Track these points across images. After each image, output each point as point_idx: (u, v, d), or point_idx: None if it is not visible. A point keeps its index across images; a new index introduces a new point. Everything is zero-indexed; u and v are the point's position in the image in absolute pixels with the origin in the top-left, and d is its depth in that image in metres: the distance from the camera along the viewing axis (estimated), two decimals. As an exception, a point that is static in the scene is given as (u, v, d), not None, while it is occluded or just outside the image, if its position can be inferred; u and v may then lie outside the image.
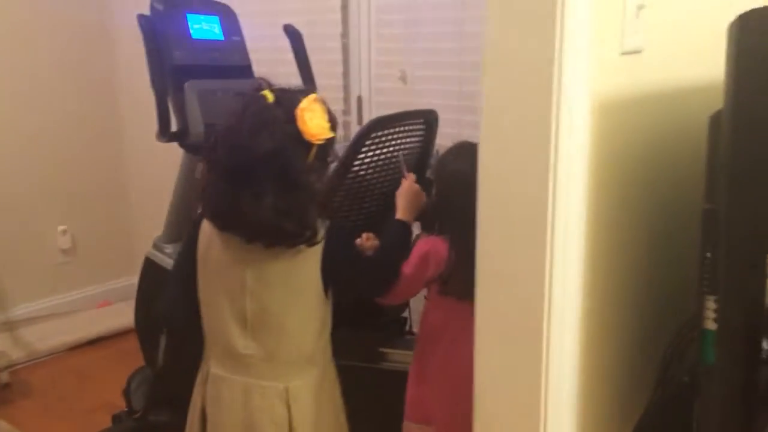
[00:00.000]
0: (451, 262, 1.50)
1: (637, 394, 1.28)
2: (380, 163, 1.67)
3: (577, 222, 1.08)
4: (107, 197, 3.44)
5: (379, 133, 1.63)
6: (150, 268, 2.25)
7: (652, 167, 1.25)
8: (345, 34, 2.50)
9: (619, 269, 1.24)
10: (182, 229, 2.33)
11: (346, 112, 2.55)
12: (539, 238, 1.05)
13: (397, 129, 1.68)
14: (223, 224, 1.38)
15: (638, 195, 1.24)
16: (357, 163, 1.63)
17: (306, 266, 1.39)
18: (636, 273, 1.27)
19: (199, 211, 1.45)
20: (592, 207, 1.12)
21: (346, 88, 2.53)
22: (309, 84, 2.29)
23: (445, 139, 2.01)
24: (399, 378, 1.75)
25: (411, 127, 1.73)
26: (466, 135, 2.22)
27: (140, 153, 3.38)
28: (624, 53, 1.14)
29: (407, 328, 1.96)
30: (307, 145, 1.32)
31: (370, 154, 1.64)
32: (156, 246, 2.26)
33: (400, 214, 1.54)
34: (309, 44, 2.30)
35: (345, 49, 2.51)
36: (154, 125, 2.01)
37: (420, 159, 1.83)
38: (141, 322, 2.30)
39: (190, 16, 2.09)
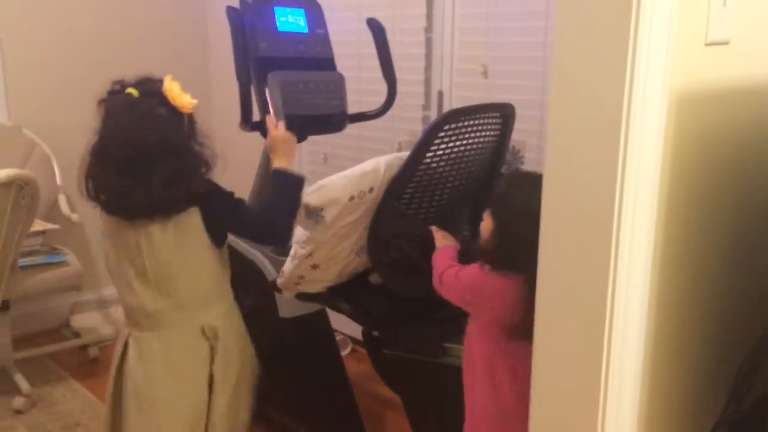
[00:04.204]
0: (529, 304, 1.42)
1: (707, 409, 1.21)
2: (453, 155, 1.66)
3: (646, 223, 1.02)
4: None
5: (453, 126, 1.62)
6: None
7: (734, 167, 1.17)
8: (429, 29, 2.49)
9: (694, 274, 1.17)
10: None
11: (426, 106, 2.54)
12: (603, 240, 1.01)
13: (471, 122, 1.66)
14: (108, 209, 1.56)
15: (718, 196, 1.17)
16: (429, 155, 1.62)
17: (188, 222, 1.56)
18: (713, 279, 1.20)
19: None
20: (665, 207, 1.07)
21: (427, 82, 2.52)
22: (390, 78, 2.30)
23: (527, 136, 1.97)
24: (460, 373, 1.73)
25: (486, 120, 1.70)
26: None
27: (229, 142, 3.49)
28: (709, 44, 1.08)
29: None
30: (180, 117, 1.53)
31: (443, 146, 1.62)
32: (235, 232, 2.33)
33: (277, 162, 1.66)
34: (391, 38, 2.31)
35: (428, 44, 2.50)
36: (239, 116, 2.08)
37: (495, 153, 1.80)
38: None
39: (277, 9, 2.14)
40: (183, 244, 1.56)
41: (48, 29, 3.04)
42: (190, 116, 1.57)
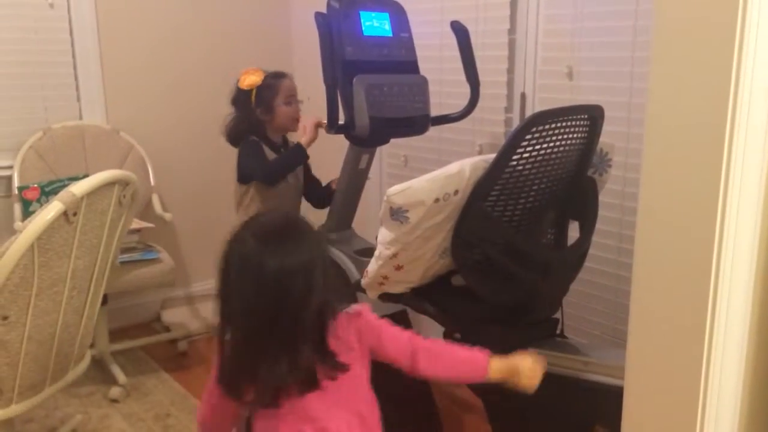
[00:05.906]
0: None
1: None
2: (540, 158, 1.64)
3: (750, 226, 0.99)
4: (279, 187, 3.68)
5: (540, 128, 1.60)
6: (313, 253, 2.38)
7: None
8: (512, 30, 2.47)
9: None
10: (346, 218, 2.44)
11: (508, 109, 2.52)
12: (705, 245, 0.98)
13: (559, 124, 1.64)
14: None
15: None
16: (515, 157, 1.61)
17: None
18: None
19: None
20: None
21: (510, 84, 2.50)
22: (473, 80, 2.30)
23: (614, 138, 1.93)
24: (544, 379, 1.71)
25: (574, 123, 1.68)
26: (636, 134, 2.12)
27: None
28: (818, 42, 1.04)
29: (558, 330, 1.91)
30: (245, 92, 2.43)
31: (529, 148, 1.61)
32: (320, 233, 2.39)
33: (301, 140, 2.36)
34: (474, 41, 2.31)
35: (511, 46, 2.48)
36: (323, 119, 2.13)
37: (582, 156, 1.77)
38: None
39: (363, 14, 2.18)
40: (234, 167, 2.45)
41: (143, 40, 3.20)
42: (257, 92, 2.41)
